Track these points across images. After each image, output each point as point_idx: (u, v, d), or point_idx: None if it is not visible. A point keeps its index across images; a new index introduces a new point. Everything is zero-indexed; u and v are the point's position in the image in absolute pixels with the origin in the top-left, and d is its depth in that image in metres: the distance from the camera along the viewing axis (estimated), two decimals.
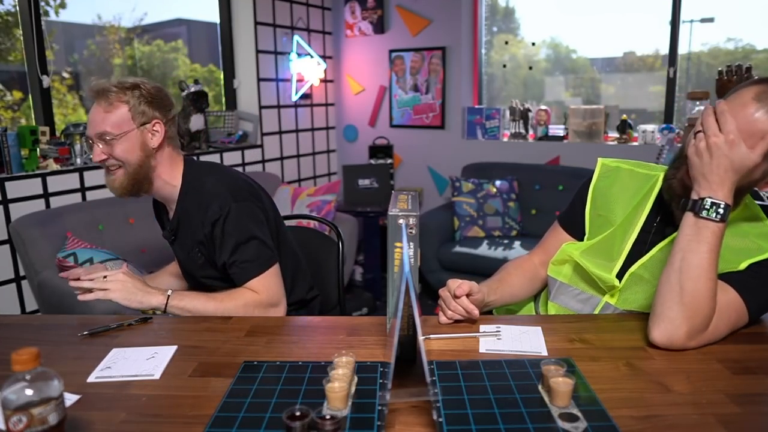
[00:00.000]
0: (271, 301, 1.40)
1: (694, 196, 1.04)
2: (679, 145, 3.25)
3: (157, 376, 0.99)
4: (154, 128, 1.38)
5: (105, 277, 1.29)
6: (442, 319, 1.21)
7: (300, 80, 4.12)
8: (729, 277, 1.07)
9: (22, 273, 2.62)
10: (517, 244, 3.42)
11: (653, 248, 1.20)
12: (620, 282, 1.22)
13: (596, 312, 1.26)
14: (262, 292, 1.39)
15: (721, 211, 1.01)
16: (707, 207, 1.01)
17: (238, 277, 1.41)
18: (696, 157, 1.03)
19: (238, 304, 1.36)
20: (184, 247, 1.51)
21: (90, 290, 1.30)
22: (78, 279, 1.31)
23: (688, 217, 1.04)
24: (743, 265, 1.08)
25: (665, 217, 1.22)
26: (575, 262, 1.28)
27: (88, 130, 1.37)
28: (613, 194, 1.32)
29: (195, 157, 3.31)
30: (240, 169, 3.71)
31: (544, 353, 1.05)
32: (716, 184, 1.01)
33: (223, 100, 3.90)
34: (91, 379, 0.99)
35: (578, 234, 1.36)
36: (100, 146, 1.35)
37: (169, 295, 1.34)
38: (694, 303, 1.01)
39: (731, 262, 1.09)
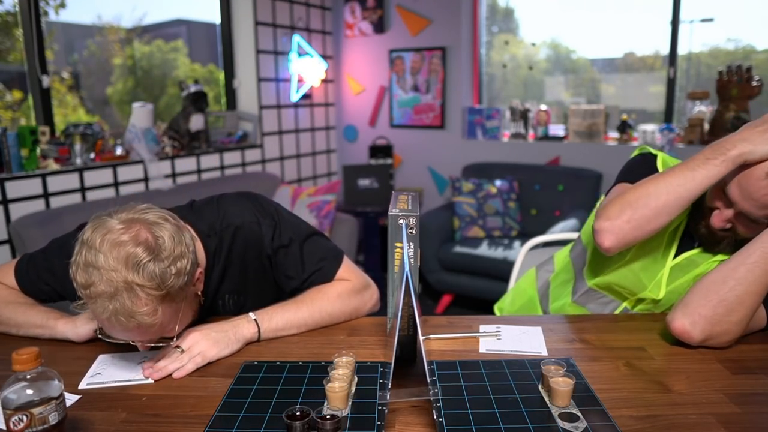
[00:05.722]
0: (364, 282, 1.24)
1: None
2: (680, 144, 3.23)
3: (151, 381, 0.98)
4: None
5: (179, 348, 1.01)
6: None
7: (300, 80, 4.12)
8: None
9: None
10: (517, 244, 3.42)
11: (679, 256, 1.20)
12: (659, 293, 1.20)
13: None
14: (351, 278, 1.23)
15: None
16: None
17: (321, 280, 1.22)
18: None
19: (331, 298, 1.18)
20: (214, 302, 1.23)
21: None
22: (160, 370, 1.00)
23: None
24: None
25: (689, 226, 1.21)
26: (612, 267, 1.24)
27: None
28: None
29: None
30: (240, 169, 3.72)
31: (544, 353, 1.05)
32: None
33: (223, 100, 3.90)
34: (82, 386, 0.97)
35: None
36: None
37: (255, 319, 1.11)
38: (739, 310, 1.01)
39: None
